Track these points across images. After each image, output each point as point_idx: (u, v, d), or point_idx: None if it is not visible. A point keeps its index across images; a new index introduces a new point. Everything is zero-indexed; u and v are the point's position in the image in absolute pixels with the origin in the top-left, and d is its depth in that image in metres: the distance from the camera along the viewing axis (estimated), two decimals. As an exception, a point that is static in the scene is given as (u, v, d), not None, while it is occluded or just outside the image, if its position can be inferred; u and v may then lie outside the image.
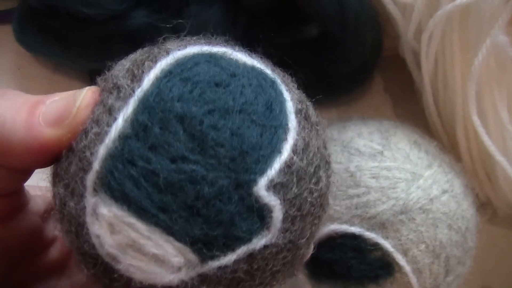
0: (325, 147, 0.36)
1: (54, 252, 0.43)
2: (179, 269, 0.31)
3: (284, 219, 0.32)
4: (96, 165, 0.31)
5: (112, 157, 0.31)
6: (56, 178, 0.34)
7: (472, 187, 0.53)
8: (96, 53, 0.63)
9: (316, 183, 0.34)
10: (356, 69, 0.66)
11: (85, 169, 0.32)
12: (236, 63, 0.35)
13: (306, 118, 0.35)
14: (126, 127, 0.31)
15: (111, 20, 0.60)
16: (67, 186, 0.32)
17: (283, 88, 0.35)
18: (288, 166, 0.32)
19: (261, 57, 0.38)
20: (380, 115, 0.63)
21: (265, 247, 0.32)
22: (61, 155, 0.33)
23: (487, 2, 0.52)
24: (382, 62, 0.69)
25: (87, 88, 0.34)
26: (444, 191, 0.49)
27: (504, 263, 0.63)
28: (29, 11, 0.64)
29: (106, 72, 0.35)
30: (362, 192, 0.48)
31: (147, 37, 0.57)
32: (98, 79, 0.35)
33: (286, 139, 0.32)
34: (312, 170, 0.34)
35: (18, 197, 0.39)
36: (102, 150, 0.31)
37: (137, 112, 0.31)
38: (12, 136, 0.32)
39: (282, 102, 0.34)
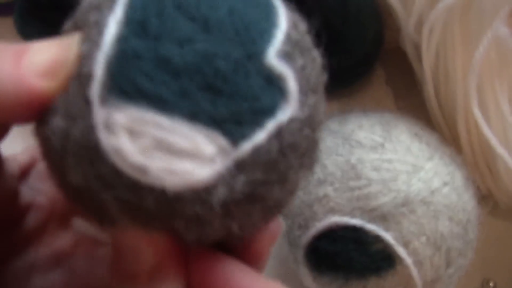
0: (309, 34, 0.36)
1: (30, 221, 0.39)
2: (213, 160, 0.29)
3: (299, 91, 0.31)
4: (98, 73, 0.29)
5: (115, 59, 0.29)
6: (47, 117, 0.31)
7: (473, 179, 0.53)
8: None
9: (314, 60, 0.34)
10: (357, 62, 0.66)
11: (87, 84, 0.29)
12: None
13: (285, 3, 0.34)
14: (121, 29, 0.29)
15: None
16: (67, 114, 0.30)
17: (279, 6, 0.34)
18: (288, 37, 0.32)
19: None
20: (381, 107, 0.64)
21: (290, 120, 0.31)
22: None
23: (488, -6, 0.52)
24: (383, 55, 0.69)
25: (77, 34, 0.31)
26: (445, 183, 0.49)
27: (505, 255, 0.63)
28: (31, 3, 0.64)
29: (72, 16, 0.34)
30: (363, 185, 0.48)
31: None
32: (66, 25, 0.34)
33: (278, 14, 0.32)
34: (309, 45, 0.34)
35: None
36: (101, 58, 0.29)
37: (127, 11, 0.30)
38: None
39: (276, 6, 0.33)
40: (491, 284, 0.62)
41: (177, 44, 0.29)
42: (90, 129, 0.29)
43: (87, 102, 0.29)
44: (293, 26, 0.33)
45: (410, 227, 0.47)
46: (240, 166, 0.29)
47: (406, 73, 0.67)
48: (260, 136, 0.30)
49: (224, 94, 0.29)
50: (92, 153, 0.29)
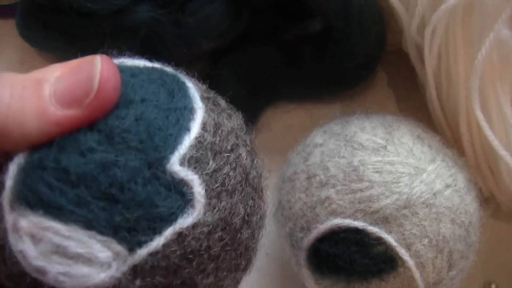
0: (242, 130, 0.37)
1: None
2: (109, 265, 0.31)
3: (208, 194, 0.32)
4: (9, 182, 0.31)
5: (23, 169, 0.31)
6: None
7: (475, 181, 0.53)
8: (100, 47, 0.63)
9: (237, 159, 0.34)
10: (360, 64, 0.66)
11: (1, 190, 0.31)
12: (135, 67, 0.35)
13: (215, 103, 0.35)
14: None
15: (114, 14, 0.60)
16: None
17: (185, 80, 0.35)
18: (199, 141, 0.32)
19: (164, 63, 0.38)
20: (384, 109, 0.63)
21: (194, 225, 0.32)
22: None
23: (490, -4, 0.52)
24: (386, 57, 0.69)
25: (98, 57, 0.32)
26: (447, 186, 0.49)
27: (507, 257, 0.63)
28: (33, 5, 0.64)
29: None
30: (365, 187, 0.48)
31: (150, 32, 0.57)
32: None
33: (193, 118, 0.33)
34: (229, 147, 0.34)
35: None
36: (12, 168, 0.31)
37: None
38: (25, 128, 0.30)
39: (185, 89, 0.34)
40: (493, 286, 0.62)
41: (79, 154, 0.30)
42: (3, 232, 0.31)
43: (0, 207, 0.31)
44: (211, 127, 0.33)
45: (412, 229, 0.47)
46: (136, 271, 0.31)
47: (408, 75, 0.67)
48: (156, 242, 0.31)
49: (120, 202, 0.30)
50: (4, 252, 0.31)
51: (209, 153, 0.33)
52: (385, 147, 0.50)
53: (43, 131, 0.31)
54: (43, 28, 0.65)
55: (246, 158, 0.35)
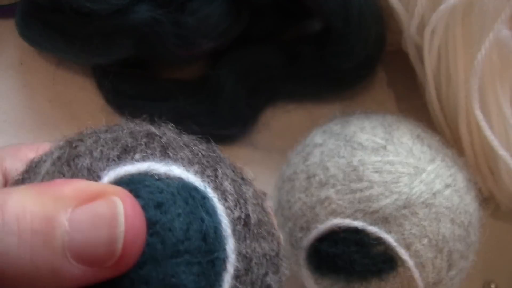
0: (272, 238, 0.34)
1: None
2: None
3: None
4: None
5: None
6: None
7: (474, 181, 0.53)
8: (100, 47, 0.63)
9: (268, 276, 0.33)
10: (359, 64, 0.66)
11: None
12: (162, 183, 0.30)
13: (246, 223, 0.32)
14: None
15: (114, 14, 0.60)
16: None
17: (215, 202, 0.31)
18: None
19: (189, 141, 0.34)
20: (383, 109, 0.63)
21: None
22: None
23: (490, -4, 0.52)
24: (385, 57, 0.69)
25: (119, 203, 0.27)
26: (447, 186, 0.49)
27: (507, 257, 0.63)
28: (32, 5, 0.65)
29: None
30: (365, 187, 0.48)
31: (150, 31, 0.57)
32: None
33: (225, 268, 0.30)
34: (259, 283, 0.32)
35: None
36: None
37: None
38: (37, 284, 0.26)
39: (217, 224, 0.30)
40: (492, 286, 0.62)
41: None
42: None
43: None
44: (243, 268, 0.31)
45: (412, 229, 0.47)
46: None
47: (408, 75, 0.67)
48: None
49: None
50: None
51: None
52: (384, 147, 0.50)
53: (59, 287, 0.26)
54: (43, 28, 0.65)
55: (272, 283, 0.33)
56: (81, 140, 0.32)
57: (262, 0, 0.65)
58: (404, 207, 0.47)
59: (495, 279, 0.62)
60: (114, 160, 0.30)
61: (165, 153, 0.32)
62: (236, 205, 0.32)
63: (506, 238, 0.64)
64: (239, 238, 0.31)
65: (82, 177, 0.30)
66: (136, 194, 0.29)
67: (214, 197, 0.31)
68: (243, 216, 0.32)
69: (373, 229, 0.47)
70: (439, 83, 0.62)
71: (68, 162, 0.31)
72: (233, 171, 0.34)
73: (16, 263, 0.25)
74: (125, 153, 0.31)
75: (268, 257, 0.33)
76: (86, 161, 0.30)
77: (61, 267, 0.26)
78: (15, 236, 0.25)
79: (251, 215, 0.32)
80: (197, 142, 0.35)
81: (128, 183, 0.29)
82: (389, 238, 0.47)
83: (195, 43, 0.63)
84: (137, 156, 0.31)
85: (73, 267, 0.26)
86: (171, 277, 0.28)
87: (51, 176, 0.31)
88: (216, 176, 0.32)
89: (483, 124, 0.56)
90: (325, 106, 0.69)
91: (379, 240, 0.47)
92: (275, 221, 0.36)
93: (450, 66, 0.59)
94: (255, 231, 0.32)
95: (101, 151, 0.31)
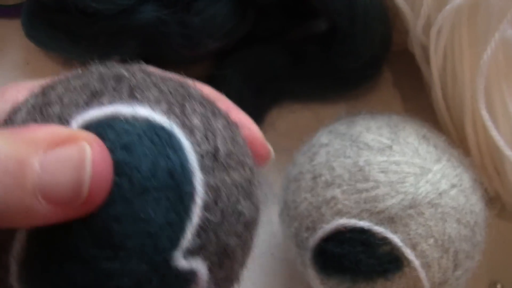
0: (243, 167, 0.35)
1: None
2: None
3: (210, 271, 0.32)
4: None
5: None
6: None
7: (480, 181, 0.53)
8: (105, 47, 0.63)
9: (238, 219, 0.34)
10: (365, 64, 0.66)
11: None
12: (128, 125, 0.31)
13: (215, 156, 0.33)
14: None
15: (120, 14, 0.60)
16: None
17: (182, 139, 0.32)
18: (202, 228, 0.31)
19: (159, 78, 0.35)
20: (389, 109, 0.63)
21: None
22: None
23: (496, -4, 0.52)
24: (391, 57, 0.69)
25: (87, 147, 0.29)
26: (453, 186, 0.49)
27: (513, 258, 0.63)
28: (38, 5, 0.65)
29: None
30: (371, 187, 0.48)
31: (155, 32, 0.57)
32: None
33: (194, 201, 0.31)
34: (230, 211, 0.33)
35: None
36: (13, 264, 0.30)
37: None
38: (11, 222, 0.28)
39: (183, 160, 0.32)
40: (498, 286, 0.62)
41: (81, 263, 0.29)
42: None
43: None
44: (213, 201, 0.32)
45: (418, 229, 0.47)
46: None
47: (414, 75, 0.67)
48: None
49: None
50: None
51: (212, 235, 0.32)
52: (390, 147, 0.50)
53: (30, 225, 0.29)
54: (48, 28, 0.65)
55: (246, 211, 0.34)
56: (53, 88, 0.34)
57: (268, 0, 0.65)
58: (410, 207, 0.47)
59: (501, 279, 0.62)
60: (82, 106, 0.32)
61: (132, 95, 0.33)
62: (204, 139, 0.33)
63: (511, 238, 0.64)
64: (207, 171, 0.32)
65: (53, 123, 0.31)
66: (103, 137, 0.30)
67: (181, 133, 0.32)
68: (211, 149, 0.33)
69: (379, 229, 0.47)
70: (445, 83, 0.62)
71: (41, 110, 0.32)
72: (203, 106, 0.35)
73: None
74: (93, 98, 0.32)
75: (239, 186, 0.34)
76: (56, 109, 0.32)
77: (32, 205, 0.28)
78: None
79: (220, 147, 0.33)
80: (167, 78, 0.36)
81: (95, 127, 0.31)
82: (395, 238, 0.47)
83: (201, 43, 0.63)
84: (105, 100, 0.32)
85: (43, 206, 0.28)
86: (140, 213, 0.30)
87: (25, 124, 0.32)
88: (184, 113, 0.33)
89: (489, 124, 0.56)
90: (330, 106, 0.69)
91: (385, 240, 0.47)
92: (248, 150, 0.37)
93: (456, 66, 0.59)
94: (225, 162, 0.33)
95: (70, 98, 0.32)
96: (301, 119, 0.69)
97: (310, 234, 0.50)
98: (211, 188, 0.32)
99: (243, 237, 0.34)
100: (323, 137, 0.54)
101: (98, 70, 0.35)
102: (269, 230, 0.61)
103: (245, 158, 0.36)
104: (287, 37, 0.71)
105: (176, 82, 0.36)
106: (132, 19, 0.61)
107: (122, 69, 0.35)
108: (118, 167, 0.30)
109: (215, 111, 0.36)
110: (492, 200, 0.62)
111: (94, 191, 0.29)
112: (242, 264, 0.36)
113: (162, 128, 0.32)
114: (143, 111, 0.32)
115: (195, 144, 0.32)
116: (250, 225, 0.35)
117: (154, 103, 0.32)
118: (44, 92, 0.34)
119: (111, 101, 0.32)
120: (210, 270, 0.32)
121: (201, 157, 0.32)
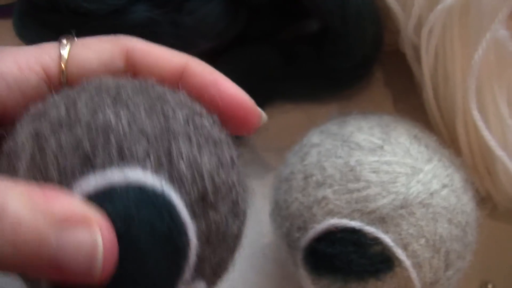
0: (230, 194, 0.36)
1: None
2: None
3: (207, 281, 0.35)
4: None
5: None
6: None
7: (472, 181, 0.53)
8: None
9: (229, 239, 0.36)
10: (357, 64, 0.66)
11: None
12: (123, 197, 0.33)
13: (204, 199, 0.34)
14: None
15: (112, 14, 0.60)
16: None
17: (173, 198, 0.33)
18: (198, 260, 0.34)
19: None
20: (381, 109, 0.63)
21: None
22: None
23: (487, -4, 0.52)
24: (383, 57, 0.69)
25: (98, 232, 0.30)
26: (444, 186, 0.49)
27: (504, 258, 0.63)
28: (30, 6, 0.64)
29: None
30: (362, 187, 0.48)
31: (147, 32, 0.57)
32: None
33: (189, 247, 0.33)
34: (221, 238, 0.35)
35: None
36: None
37: None
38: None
39: (176, 218, 0.33)
40: (489, 286, 0.62)
41: None
42: None
43: None
44: (204, 242, 0.34)
45: (409, 229, 0.47)
46: None
47: (405, 75, 0.68)
48: None
49: None
50: None
51: (207, 267, 0.35)
52: (382, 147, 0.50)
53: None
54: (40, 28, 0.65)
55: (235, 227, 0.36)
56: (46, 140, 0.34)
57: (260, 0, 0.65)
58: (401, 207, 0.47)
59: (492, 279, 0.62)
60: (79, 173, 0.32)
61: (121, 156, 0.33)
62: (193, 186, 0.34)
63: (503, 238, 0.64)
64: (198, 216, 0.34)
65: (55, 183, 0.32)
66: (103, 208, 0.31)
67: (171, 190, 0.33)
68: (200, 194, 0.34)
69: (370, 229, 0.47)
70: (436, 83, 0.62)
71: (41, 170, 0.33)
72: (189, 138, 0.35)
73: (9, 269, 0.30)
74: (87, 162, 0.33)
75: (228, 213, 0.35)
76: (56, 174, 0.33)
77: (45, 273, 0.30)
78: (11, 246, 0.29)
79: (208, 187, 0.34)
80: (150, 107, 0.36)
81: (95, 199, 0.32)
82: (386, 238, 0.47)
83: (193, 43, 0.63)
84: (98, 163, 0.33)
85: (55, 276, 0.30)
86: (141, 272, 0.32)
87: (29, 176, 0.33)
88: (171, 163, 0.34)
89: (480, 124, 0.56)
90: (322, 106, 0.69)
91: (376, 240, 0.47)
92: (231, 143, 0.40)
93: (447, 66, 0.59)
94: (213, 200, 0.34)
95: (65, 162, 0.33)
96: (292, 119, 0.69)
97: (301, 234, 0.50)
98: (203, 231, 0.34)
99: (234, 246, 0.37)
100: (314, 137, 0.54)
101: (85, 118, 0.34)
102: (260, 230, 0.61)
103: (231, 174, 0.37)
104: (279, 37, 0.71)
105: (158, 112, 0.36)
106: (124, 19, 0.61)
107: (106, 111, 0.34)
108: (120, 240, 0.31)
109: (197, 123, 0.36)
110: (483, 200, 0.62)
111: (103, 274, 0.30)
112: (233, 258, 0.38)
113: (154, 194, 0.32)
114: (135, 176, 0.32)
115: (185, 194, 0.33)
116: (239, 236, 0.37)
117: (143, 160, 0.33)
118: (39, 141, 0.34)
119: (104, 165, 0.32)
120: (207, 281, 0.35)
121: (191, 207, 0.33)
